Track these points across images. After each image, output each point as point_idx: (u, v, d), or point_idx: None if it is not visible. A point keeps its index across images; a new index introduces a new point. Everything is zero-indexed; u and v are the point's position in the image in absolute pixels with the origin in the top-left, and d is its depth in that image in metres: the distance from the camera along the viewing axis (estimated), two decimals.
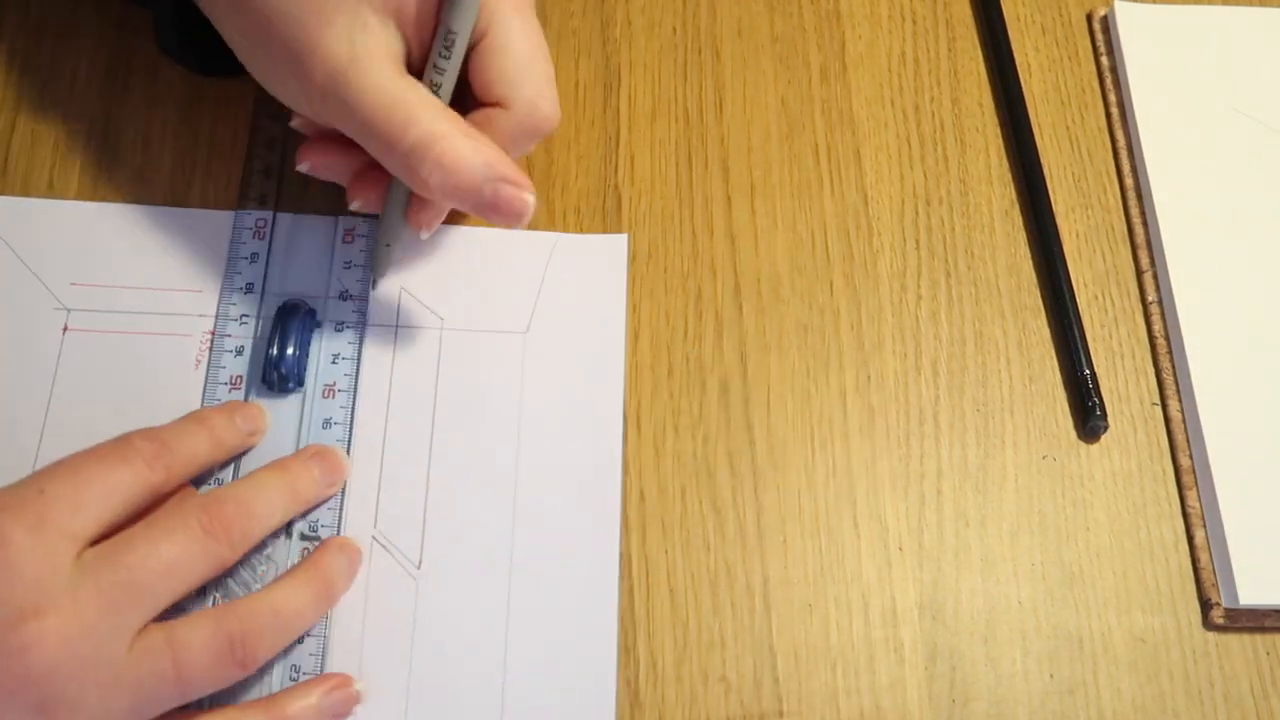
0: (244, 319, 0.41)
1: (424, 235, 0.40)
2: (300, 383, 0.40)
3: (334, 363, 0.41)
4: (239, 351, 0.41)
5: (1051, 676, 0.40)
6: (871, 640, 0.40)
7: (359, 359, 0.41)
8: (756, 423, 0.43)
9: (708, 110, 0.48)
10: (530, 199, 0.37)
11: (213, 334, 0.41)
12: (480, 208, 0.37)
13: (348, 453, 0.40)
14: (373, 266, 0.42)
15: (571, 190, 0.46)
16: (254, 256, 0.42)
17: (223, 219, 0.43)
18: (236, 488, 0.37)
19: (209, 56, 0.43)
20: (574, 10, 0.49)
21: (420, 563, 0.39)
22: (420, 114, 0.36)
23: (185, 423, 0.38)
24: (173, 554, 0.34)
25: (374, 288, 0.42)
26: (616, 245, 0.44)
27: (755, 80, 0.49)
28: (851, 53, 0.50)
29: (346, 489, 0.40)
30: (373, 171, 0.40)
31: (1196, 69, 0.50)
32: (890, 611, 0.40)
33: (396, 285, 0.43)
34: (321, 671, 0.37)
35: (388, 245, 0.41)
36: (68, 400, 0.40)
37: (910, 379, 0.44)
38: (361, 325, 0.42)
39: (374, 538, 0.39)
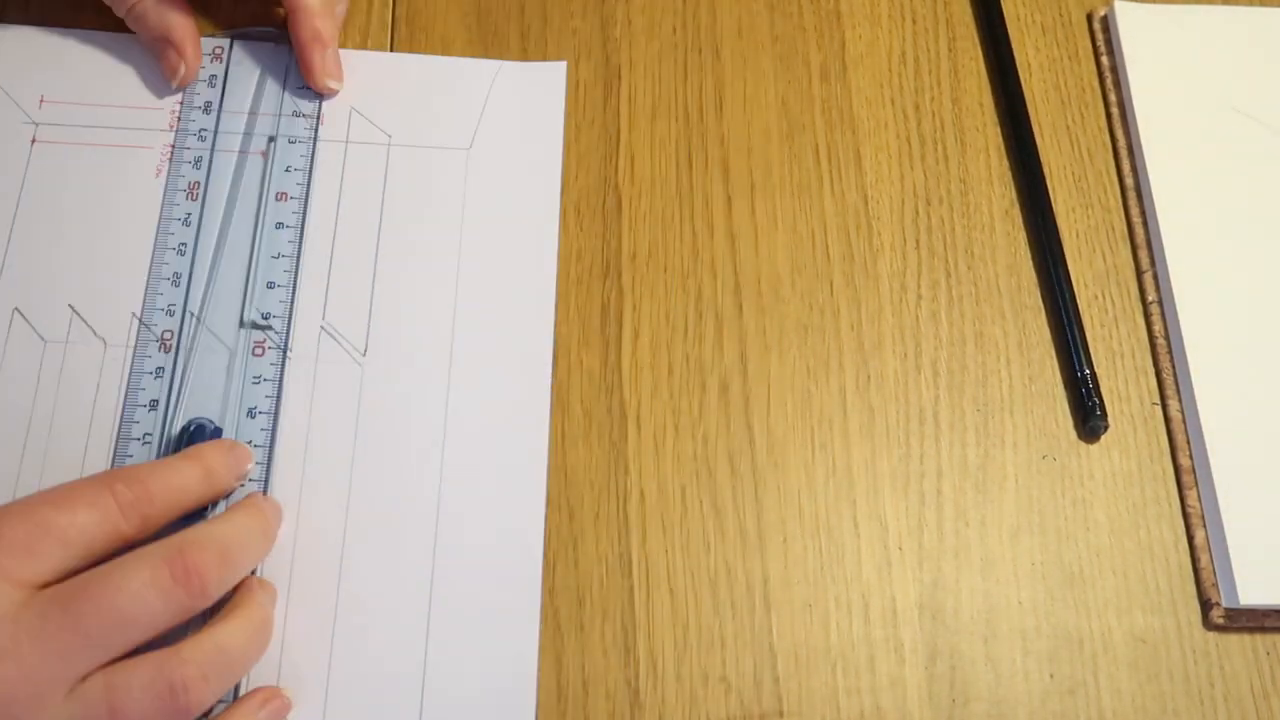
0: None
1: (333, 86, 0.46)
2: None
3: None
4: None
5: (1051, 676, 0.40)
6: (871, 640, 0.40)
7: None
8: (756, 422, 0.43)
9: (708, 110, 0.48)
10: None
11: (173, 147, 0.45)
12: None
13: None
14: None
15: (572, 189, 0.46)
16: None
17: None
18: (216, 530, 0.35)
19: None
20: (574, 10, 0.49)
21: (366, 350, 0.42)
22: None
23: (177, 462, 0.37)
24: (131, 607, 0.32)
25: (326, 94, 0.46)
26: (555, 72, 0.48)
27: (755, 80, 0.49)
28: (851, 52, 0.50)
29: (298, 285, 0.43)
30: None
31: (1196, 69, 0.50)
32: (890, 611, 0.40)
33: (347, 105, 0.46)
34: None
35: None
36: (35, 205, 0.43)
37: (910, 379, 0.44)
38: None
39: (322, 328, 0.42)
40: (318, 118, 0.46)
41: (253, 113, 0.45)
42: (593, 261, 0.45)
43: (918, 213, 0.47)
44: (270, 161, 0.44)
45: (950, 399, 0.44)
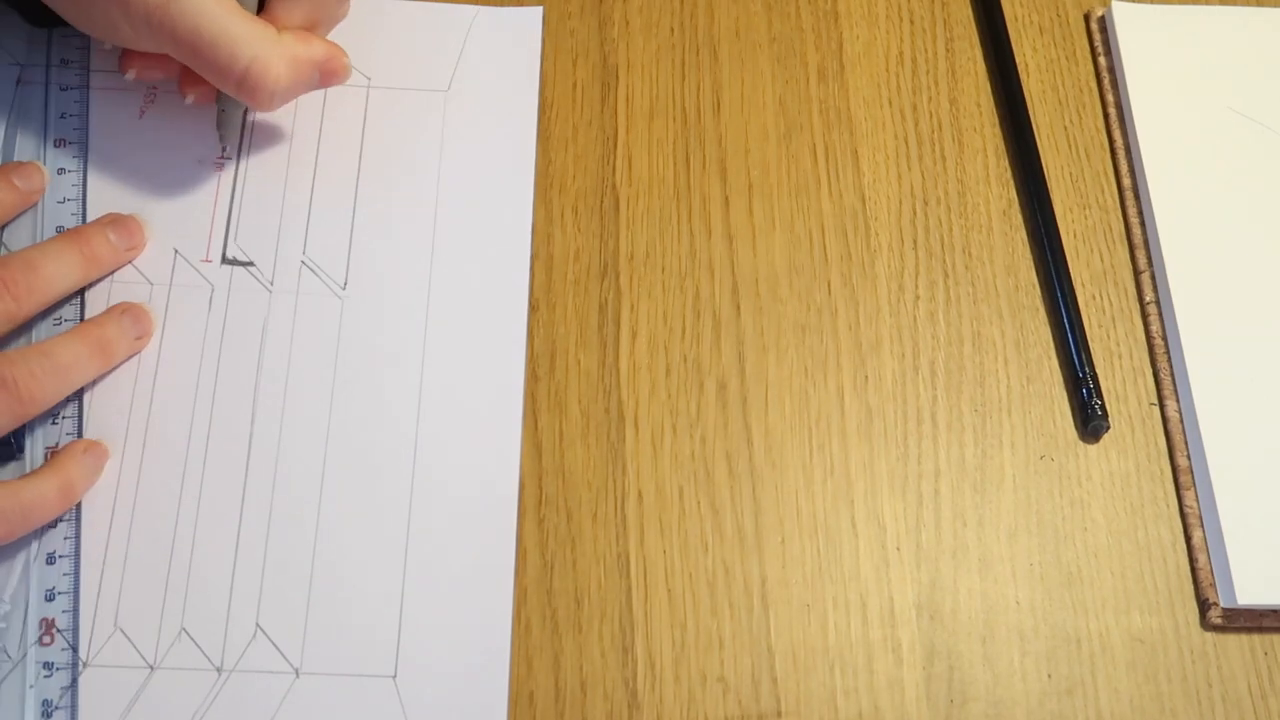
0: None
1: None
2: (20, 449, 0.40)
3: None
4: None
5: (1049, 677, 0.40)
6: (869, 640, 0.40)
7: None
8: (754, 423, 0.43)
9: (705, 110, 0.48)
10: (347, 61, 0.42)
11: None
12: (311, 89, 0.42)
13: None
14: (223, 135, 0.44)
15: (569, 190, 0.46)
16: None
17: None
18: (26, 251, 0.40)
19: (36, 10, 0.44)
20: (572, 10, 0.49)
21: (346, 284, 0.43)
22: (242, 43, 0.39)
23: (56, 243, 0.40)
24: None
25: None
26: (532, 17, 0.49)
27: (753, 80, 0.49)
28: (849, 53, 0.50)
29: (280, 222, 0.44)
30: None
31: (1194, 69, 0.50)
32: (888, 611, 0.40)
33: None
34: None
35: (236, 121, 0.44)
36: None
37: (908, 379, 0.44)
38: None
39: (303, 262, 0.43)
40: (88, 62, 0.45)
41: (19, 63, 0.45)
42: (590, 262, 0.45)
43: (915, 213, 0.47)
44: (47, 109, 0.44)
45: (948, 399, 0.44)
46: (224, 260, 0.43)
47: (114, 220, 0.42)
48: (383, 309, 0.43)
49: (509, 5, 0.48)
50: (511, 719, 0.38)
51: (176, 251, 0.43)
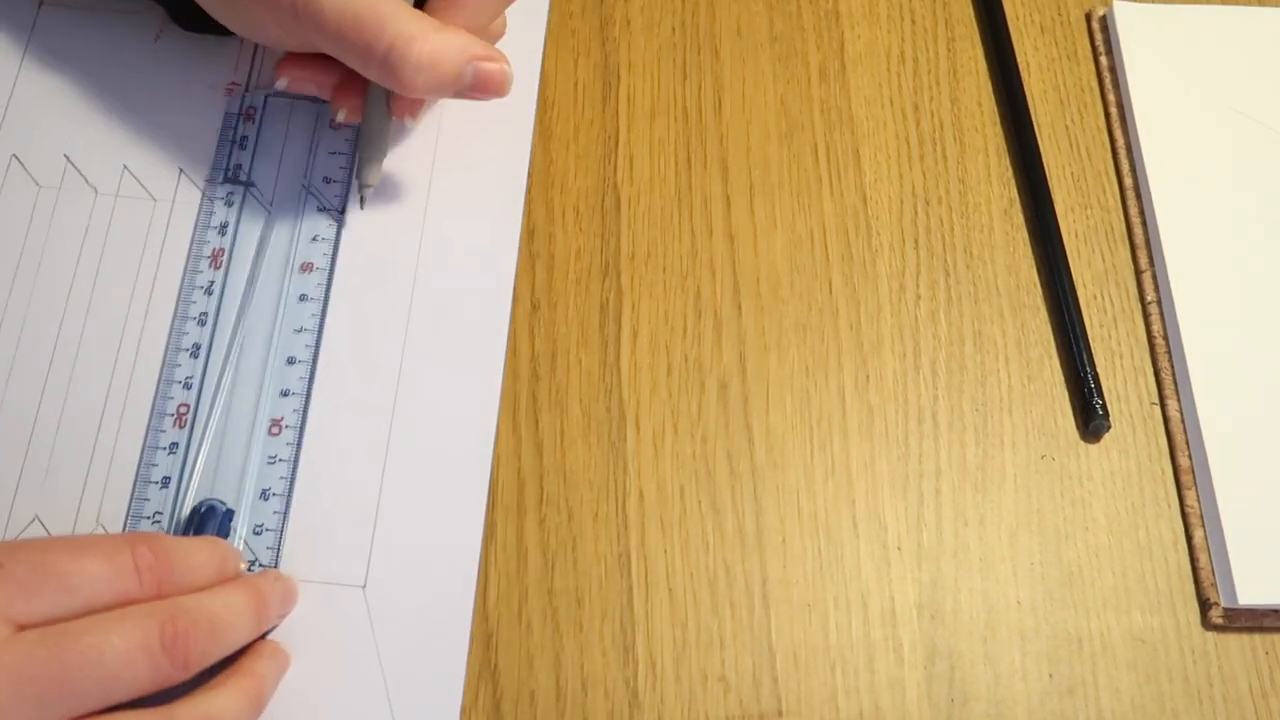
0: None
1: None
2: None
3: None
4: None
5: (1050, 676, 0.40)
6: (870, 640, 0.40)
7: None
8: (755, 422, 0.43)
9: (707, 110, 0.48)
10: (508, 69, 0.40)
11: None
12: (462, 92, 0.40)
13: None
14: (361, 178, 0.43)
15: (570, 190, 0.46)
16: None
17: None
18: (211, 603, 0.34)
19: (192, 14, 0.44)
20: (573, 10, 0.49)
21: (344, 209, 0.44)
22: (389, 20, 0.38)
23: (201, 543, 0.36)
24: (117, 665, 0.31)
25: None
26: None
27: (754, 80, 0.49)
28: (850, 52, 0.50)
29: (284, 146, 0.45)
30: (352, 81, 0.42)
31: (1195, 69, 0.50)
32: (889, 611, 0.40)
33: None
34: None
35: (375, 159, 0.43)
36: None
37: (909, 378, 0.44)
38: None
39: (304, 186, 0.44)
40: (345, 194, 0.45)
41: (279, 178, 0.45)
42: (591, 261, 0.45)
43: (916, 212, 0.47)
44: (297, 233, 0.44)
45: (949, 399, 0.44)
46: (226, 180, 0.44)
47: (279, 575, 0.38)
48: (382, 230, 0.44)
49: None
50: (512, 718, 0.38)
51: (181, 170, 0.44)
